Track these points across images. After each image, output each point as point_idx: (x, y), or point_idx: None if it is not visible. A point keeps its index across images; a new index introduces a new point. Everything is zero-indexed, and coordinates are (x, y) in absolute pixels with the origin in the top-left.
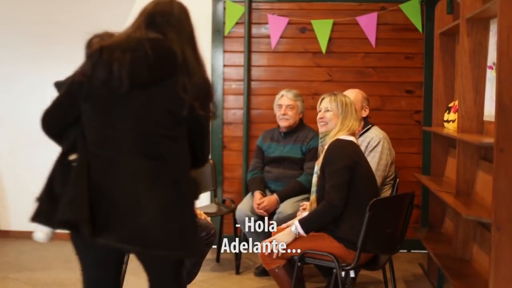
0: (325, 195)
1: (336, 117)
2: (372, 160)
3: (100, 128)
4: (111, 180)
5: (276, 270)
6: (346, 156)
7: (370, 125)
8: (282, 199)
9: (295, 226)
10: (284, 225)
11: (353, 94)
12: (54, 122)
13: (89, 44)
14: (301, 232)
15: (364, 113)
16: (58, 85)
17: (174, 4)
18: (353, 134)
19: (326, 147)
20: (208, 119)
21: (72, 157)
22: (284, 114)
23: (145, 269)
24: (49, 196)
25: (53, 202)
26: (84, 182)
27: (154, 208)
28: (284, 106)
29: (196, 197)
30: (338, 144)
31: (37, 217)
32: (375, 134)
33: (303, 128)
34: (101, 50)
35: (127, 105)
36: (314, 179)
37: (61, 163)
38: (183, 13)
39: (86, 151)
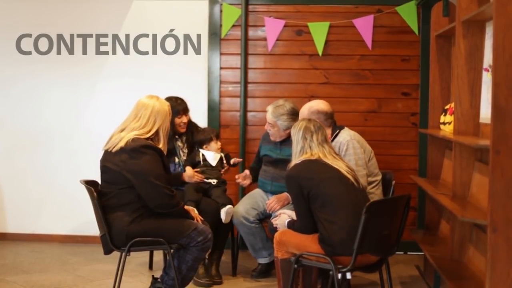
0: None
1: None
2: (349, 163)
3: None
4: None
5: (275, 260)
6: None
7: (338, 130)
8: None
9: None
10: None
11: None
12: None
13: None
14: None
15: None
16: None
17: None
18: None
19: None
20: None
21: None
22: (268, 129)
23: None
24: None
25: None
26: None
27: None
28: (267, 122)
29: None
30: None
31: None
32: (343, 138)
33: None
34: None
35: None
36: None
37: None
38: None
39: None
